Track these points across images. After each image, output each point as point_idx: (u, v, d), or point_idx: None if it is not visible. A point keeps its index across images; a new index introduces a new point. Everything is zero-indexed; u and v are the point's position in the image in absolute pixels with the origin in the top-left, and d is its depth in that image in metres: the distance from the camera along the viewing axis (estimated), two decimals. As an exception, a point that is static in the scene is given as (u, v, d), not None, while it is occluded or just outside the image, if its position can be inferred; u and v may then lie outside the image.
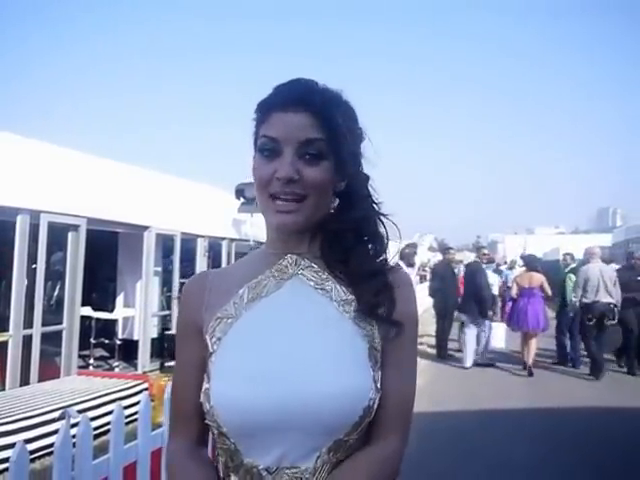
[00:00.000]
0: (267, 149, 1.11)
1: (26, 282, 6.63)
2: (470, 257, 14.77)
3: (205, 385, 1.09)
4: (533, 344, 9.49)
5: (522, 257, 12.88)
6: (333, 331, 1.09)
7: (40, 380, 6.61)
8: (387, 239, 1.20)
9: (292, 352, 1.07)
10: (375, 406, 1.06)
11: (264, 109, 1.13)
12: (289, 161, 1.09)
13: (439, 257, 15.30)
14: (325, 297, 1.13)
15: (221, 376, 1.07)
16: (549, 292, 9.82)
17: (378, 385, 1.08)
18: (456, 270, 11.86)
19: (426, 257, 27.30)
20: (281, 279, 1.15)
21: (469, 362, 9.88)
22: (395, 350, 1.13)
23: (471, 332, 9.98)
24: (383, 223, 1.20)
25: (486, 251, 11.77)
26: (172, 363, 1.32)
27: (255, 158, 1.14)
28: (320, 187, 1.11)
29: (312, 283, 1.14)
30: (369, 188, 1.20)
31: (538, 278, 9.73)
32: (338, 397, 1.02)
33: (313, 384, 1.03)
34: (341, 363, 1.06)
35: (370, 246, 1.18)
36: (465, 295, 10.38)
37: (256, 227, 10.25)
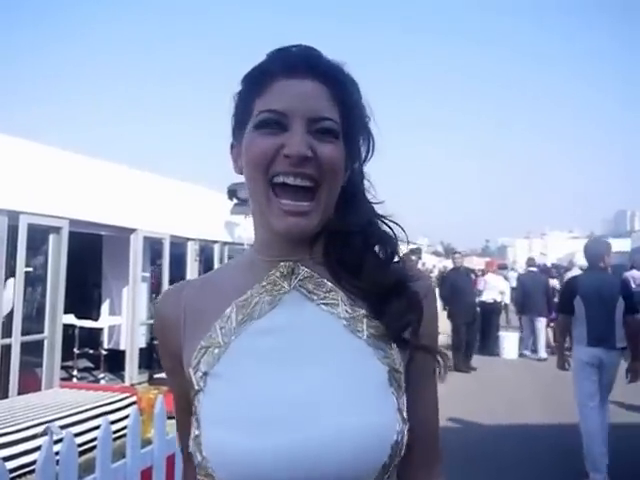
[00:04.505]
0: (269, 125, 0.96)
1: (4, 288, 6.61)
2: (480, 262, 15.31)
3: (194, 431, 0.95)
4: None
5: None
6: (344, 356, 0.96)
7: (20, 393, 6.58)
8: (397, 240, 1.07)
9: (297, 388, 0.92)
10: (404, 440, 0.94)
11: (260, 78, 0.99)
12: (300, 135, 0.94)
13: (445, 262, 15.59)
14: (331, 314, 0.99)
15: (213, 421, 0.93)
16: None
17: (404, 414, 0.96)
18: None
19: (430, 262, 27.29)
20: (276, 294, 1.00)
21: (544, 353, 11.98)
22: (419, 374, 1.03)
23: (541, 325, 12.23)
24: (388, 225, 1.07)
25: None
26: (161, 375, 1.27)
27: (248, 136, 0.98)
28: (336, 170, 0.97)
29: (314, 297, 1.00)
30: (365, 184, 1.09)
31: None
32: (360, 438, 0.89)
33: (328, 426, 0.89)
34: (358, 395, 0.93)
35: (379, 248, 1.05)
36: (525, 297, 12.50)
37: (250, 230, 10.22)
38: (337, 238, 1.02)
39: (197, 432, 0.94)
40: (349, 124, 1.00)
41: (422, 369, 1.03)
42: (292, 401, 0.91)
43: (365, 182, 1.08)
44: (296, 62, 0.97)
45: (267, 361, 0.95)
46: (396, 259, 1.06)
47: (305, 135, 0.94)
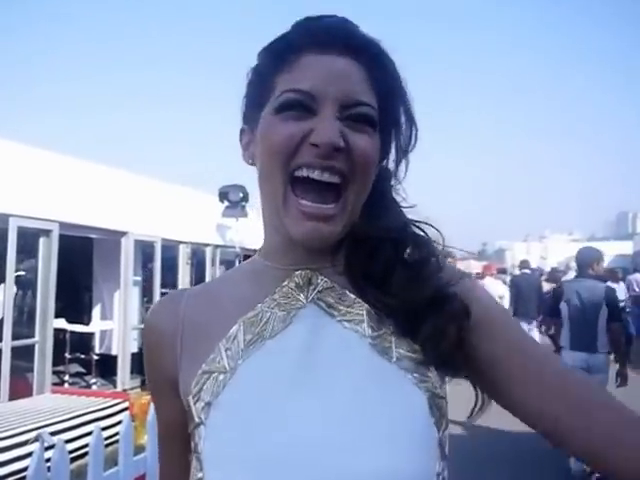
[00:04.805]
0: (293, 107, 0.82)
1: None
2: (477, 266, 15.46)
3: (197, 474, 0.82)
4: None
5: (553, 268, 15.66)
6: (372, 383, 0.81)
7: (11, 399, 6.61)
8: (431, 243, 0.91)
9: (317, 422, 0.78)
10: None
11: (284, 51, 0.84)
12: (331, 121, 0.80)
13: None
14: (355, 332, 0.84)
15: (217, 461, 0.80)
16: None
17: (446, 449, 0.82)
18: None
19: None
20: (290, 309, 0.87)
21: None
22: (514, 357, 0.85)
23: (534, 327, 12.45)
24: (422, 229, 0.92)
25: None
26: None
27: (266, 119, 0.85)
28: (370, 165, 0.84)
29: (335, 313, 0.86)
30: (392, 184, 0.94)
31: None
32: None
33: (355, 467, 0.74)
34: (391, 430, 0.77)
35: (411, 252, 0.90)
36: (519, 299, 12.63)
37: (242, 232, 10.27)
38: (362, 245, 0.88)
39: (200, 475, 0.82)
40: (387, 111, 0.87)
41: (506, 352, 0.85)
42: (310, 439, 0.77)
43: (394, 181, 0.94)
44: (328, 35, 0.83)
45: (280, 389, 0.81)
46: (432, 262, 0.89)
47: (336, 122, 0.81)
